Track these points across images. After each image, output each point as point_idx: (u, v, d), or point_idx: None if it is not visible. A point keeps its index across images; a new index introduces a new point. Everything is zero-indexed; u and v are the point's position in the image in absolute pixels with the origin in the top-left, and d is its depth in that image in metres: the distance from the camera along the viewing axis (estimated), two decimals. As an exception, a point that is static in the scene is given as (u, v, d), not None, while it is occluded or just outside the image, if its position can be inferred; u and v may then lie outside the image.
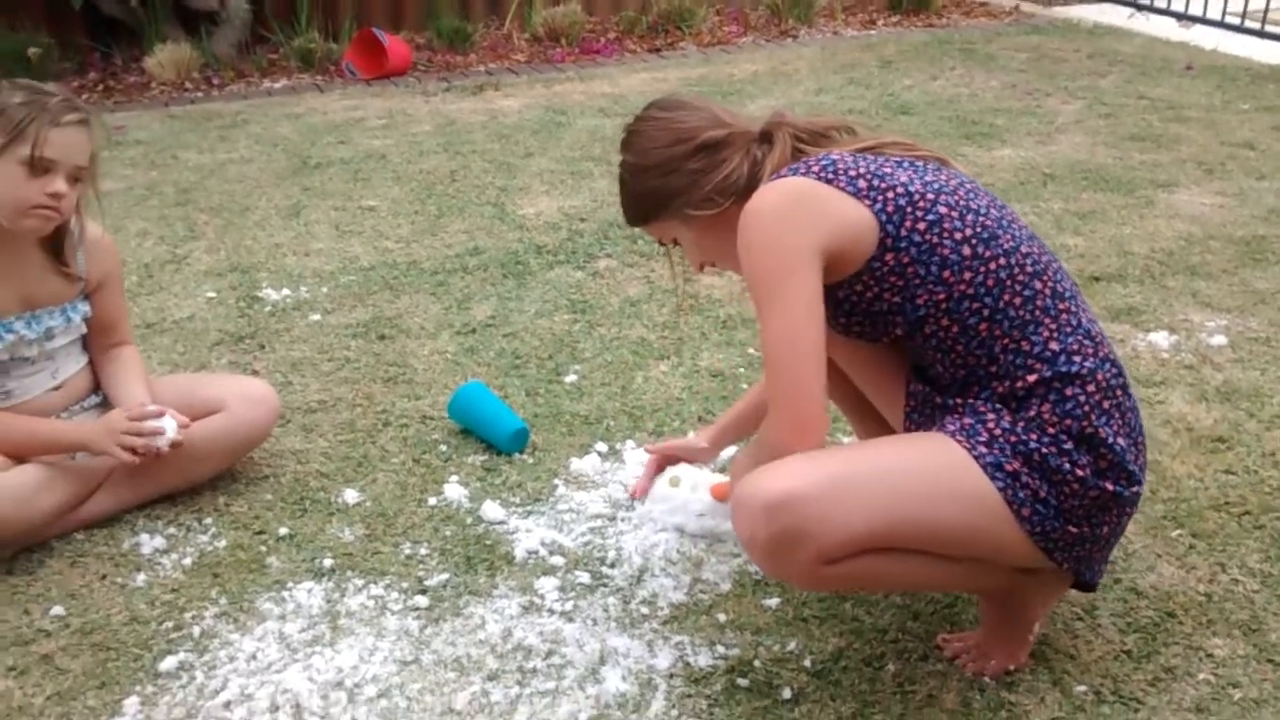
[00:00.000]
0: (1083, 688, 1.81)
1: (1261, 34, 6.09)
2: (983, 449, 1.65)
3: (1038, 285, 1.71)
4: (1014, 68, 5.78)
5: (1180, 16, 6.60)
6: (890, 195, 1.69)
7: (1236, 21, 6.25)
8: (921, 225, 1.68)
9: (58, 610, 2.04)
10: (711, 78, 5.71)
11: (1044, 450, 1.65)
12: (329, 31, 6.30)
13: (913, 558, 1.67)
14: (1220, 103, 5.06)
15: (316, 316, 3.19)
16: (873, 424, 2.02)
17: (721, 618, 1.99)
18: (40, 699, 1.84)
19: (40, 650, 1.95)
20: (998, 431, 1.66)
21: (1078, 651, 1.89)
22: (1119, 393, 1.71)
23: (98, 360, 2.41)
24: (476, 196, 4.08)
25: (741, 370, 2.84)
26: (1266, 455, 2.42)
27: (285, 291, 3.34)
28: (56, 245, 2.28)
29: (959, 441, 1.67)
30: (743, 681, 1.84)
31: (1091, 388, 1.68)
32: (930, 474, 1.66)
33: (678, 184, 1.83)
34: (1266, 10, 6.13)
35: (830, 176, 1.70)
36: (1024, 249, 1.72)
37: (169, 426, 2.22)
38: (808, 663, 1.88)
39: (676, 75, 5.78)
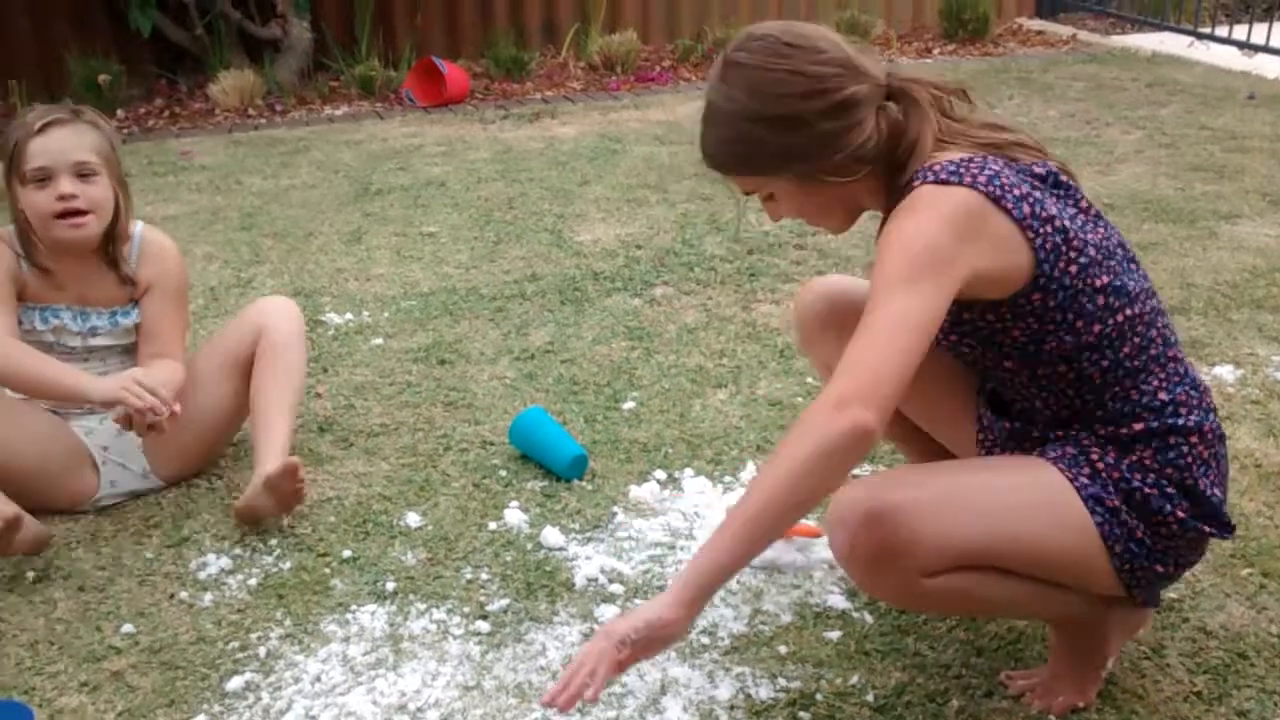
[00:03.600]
0: (1151, 728, 1.79)
1: (1326, 63, 6.02)
2: (1085, 480, 1.65)
3: (1153, 334, 1.69)
4: (1072, 97, 5.74)
5: (1242, 45, 6.53)
6: (1048, 230, 1.60)
7: (1300, 51, 6.18)
8: (1073, 269, 1.61)
9: (128, 628, 2.08)
10: (767, 106, 5.72)
11: (1146, 490, 1.64)
12: (389, 59, 6.40)
13: (1008, 578, 1.65)
14: (1284, 133, 5.00)
15: (378, 341, 3.23)
16: (919, 444, 2.01)
17: (782, 649, 1.98)
18: (111, 715, 1.87)
19: (111, 667, 1.98)
20: (1101, 466, 1.66)
21: (1145, 691, 1.86)
22: (1218, 444, 1.70)
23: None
24: (534, 223, 4.12)
25: (800, 399, 2.83)
26: (1337, 493, 2.37)
27: (348, 315, 3.39)
28: (111, 251, 2.36)
29: (1061, 470, 1.66)
30: (804, 715, 1.83)
31: (1195, 439, 1.67)
32: (1030, 494, 1.65)
33: (804, 143, 1.60)
34: (1331, 39, 6.06)
35: (999, 195, 1.57)
36: (1144, 298, 1.69)
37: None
38: (870, 697, 1.87)
39: (732, 103, 5.80)
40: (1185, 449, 1.66)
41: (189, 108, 5.99)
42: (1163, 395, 1.68)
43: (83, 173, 2.27)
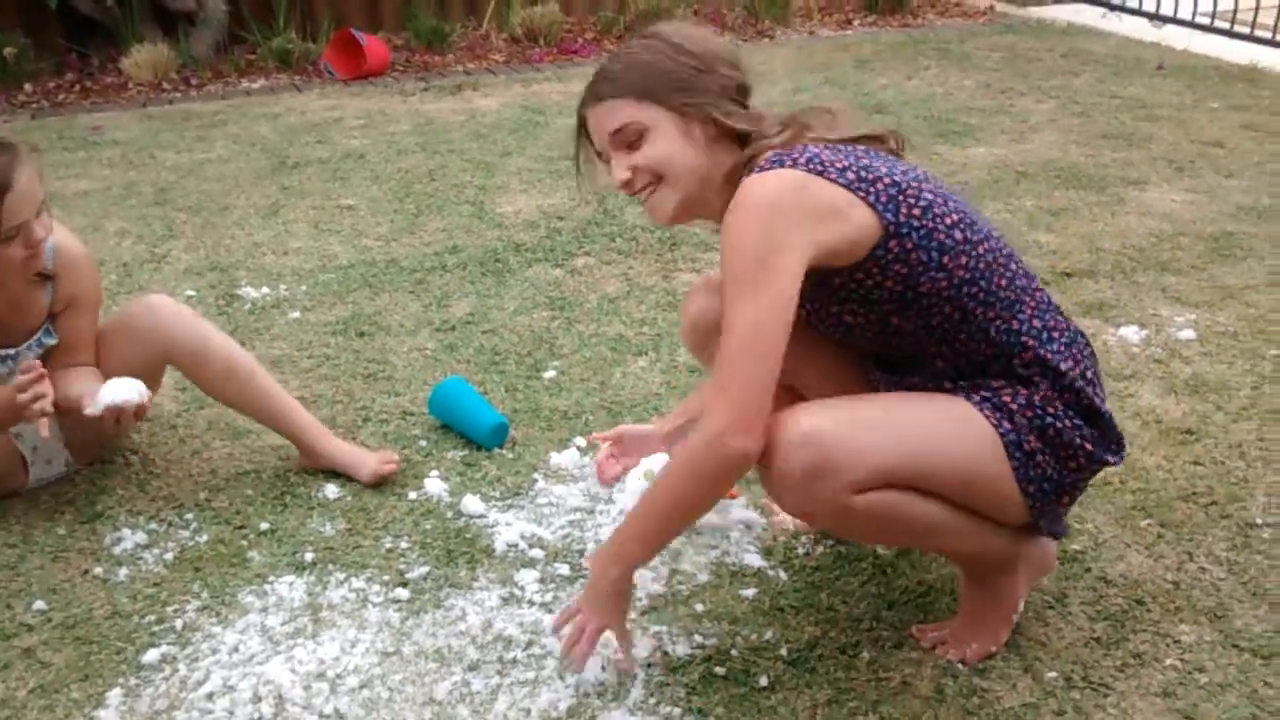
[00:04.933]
0: (1053, 674, 1.85)
1: (1231, 34, 6.17)
2: (1007, 425, 1.72)
3: (1014, 267, 1.79)
4: (988, 67, 5.83)
5: (1152, 17, 6.68)
6: (879, 186, 1.70)
7: (1207, 21, 6.33)
8: (916, 211, 1.71)
9: (40, 605, 2.05)
10: (689, 77, 5.73)
11: (1060, 424, 1.73)
12: (307, 32, 6.30)
13: (931, 500, 1.71)
14: (1191, 101, 5.13)
15: (296, 314, 3.20)
16: None
17: (699, 608, 2.02)
18: (23, 692, 1.85)
19: (22, 644, 1.96)
20: (1014, 407, 1.73)
21: (1049, 639, 1.93)
22: (1094, 359, 1.82)
23: (52, 376, 2.19)
24: (455, 195, 4.10)
25: (719, 366, 2.86)
26: (1233, 447, 2.46)
27: (265, 290, 3.35)
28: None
29: (983, 412, 1.73)
30: (720, 670, 1.87)
31: (1074, 360, 1.77)
32: (952, 423, 1.73)
33: (708, 84, 1.78)
34: (1235, 10, 6.20)
35: (820, 170, 1.69)
36: (995, 233, 1.80)
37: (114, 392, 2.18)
38: (784, 651, 1.91)
39: (654, 75, 5.81)
40: (1074, 368, 1.76)
41: (100, 82, 5.84)
42: (1036, 322, 1.77)
43: (39, 212, 2.15)
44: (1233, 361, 2.83)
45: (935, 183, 1.79)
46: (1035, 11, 7.29)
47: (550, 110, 5.15)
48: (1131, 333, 2.97)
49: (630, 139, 1.79)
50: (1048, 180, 4.13)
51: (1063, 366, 1.75)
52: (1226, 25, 6.22)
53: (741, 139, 1.81)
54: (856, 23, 7.07)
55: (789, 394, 1.91)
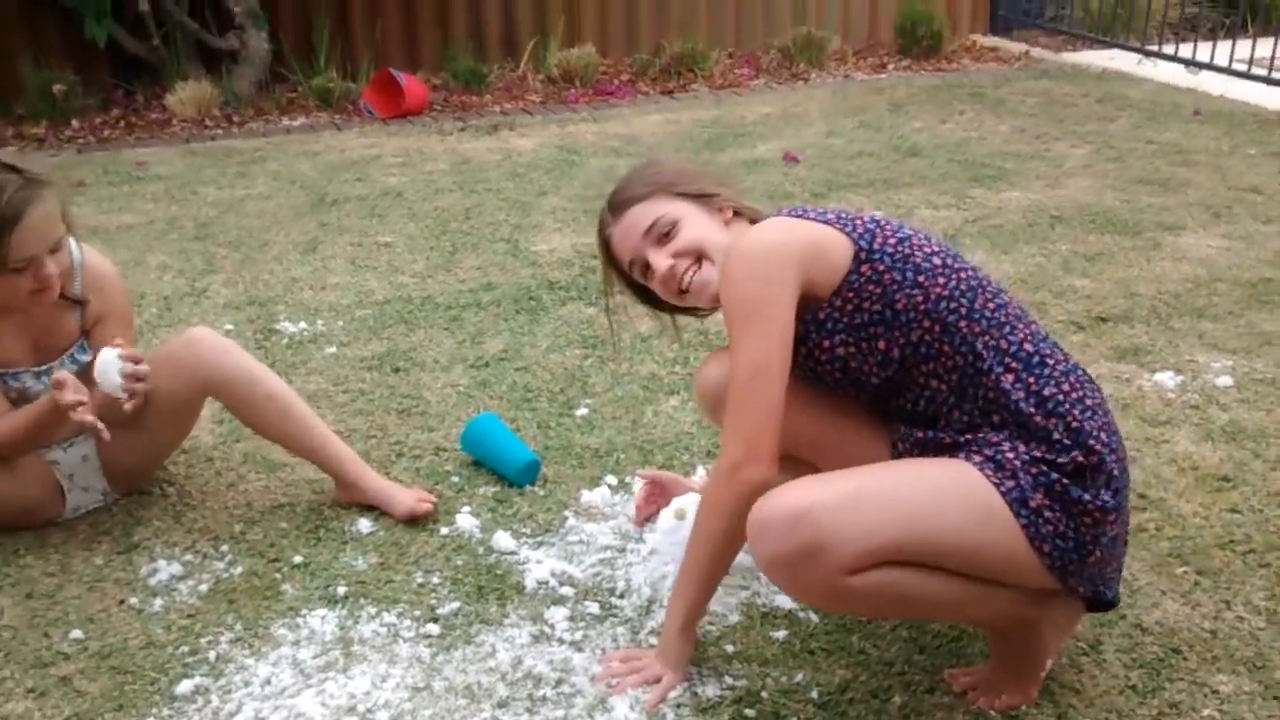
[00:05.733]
0: (1087, 722, 1.83)
1: (1269, 80, 6.15)
2: (1009, 483, 1.69)
3: (1005, 298, 1.85)
4: (1023, 112, 5.84)
5: (1188, 63, 6.67)
6: (859, 221, 1.85)
7: (1244, 68, 6.31)
8: (893, 240, 1.83)
9: (76, 634, 2.07)
10: (723, 120, 5.78)
11: (1064, 480, 1.69)
12: (347, 71, 6.40)
13: (934, 575, 1.68)
14: (1228, 148, 5.11)
15: (332, 349, 3.23)
16: None
17: (729, 649, 2.01)
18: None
19: (59, 673, 1.98)
20: (1018, 464, 1.70)
21: (1083, 686, 1.90)
22: (1096, 392, 1.81)
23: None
24: (490, 234, 4.14)
25: (751, 406, 2.86)
26: (1272, 494, 2.44)
27: (302, 324, 3.39)
28: (64, 289, 2.29)
29: (985, 473, 1.70)
30: (750, 712, 1.86)
31: (1070, 387, 1.77)
32: (948, 489, 1.70)
33: (711, 181, 2.02)
34: (1274, 57, 6.19)
35: (801, 213, 1.87)
36: (982, 272, 1.87)
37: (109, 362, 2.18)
38: (814, 694, 1.90)
39: (689, 117, 5.86)
40: (1060, 396, 1.75)
41: (145, 118, 5.96)
42: (1028, 346, 1.79)
43: (55, 249, 2.20)
44: (1271, 409, 2.80)
45: (926, 233, 1.89)
46: (1070, 57, 7.31)
47: (585, 150, 5.20)
48: (1167, 378, 2.95)
49: (664, 231, 1.93)
50: (1083, 225, 4.12)
51: (1047, 391, 1.75)
52: (1264, 72, 6.20)
53: (752, 220, 1.98)
54: (891, 67, 7.11)
55: (807, 469, 1.93)
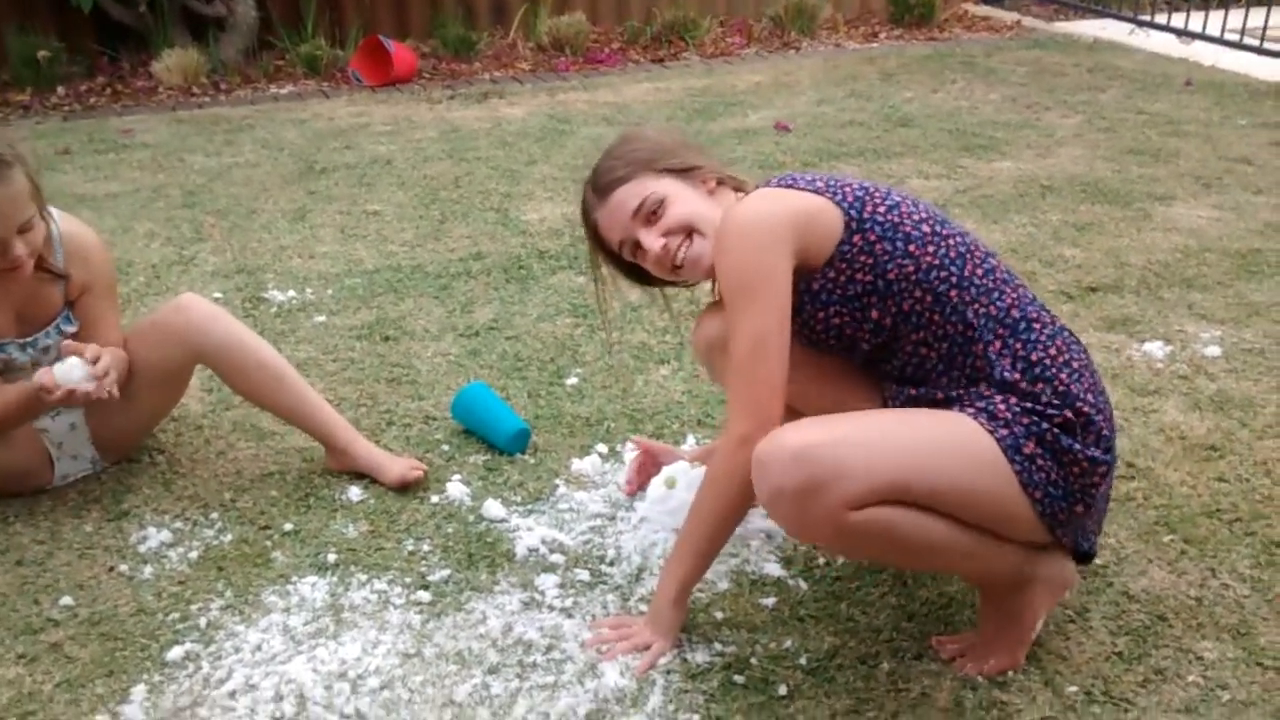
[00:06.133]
0: (1074, 688, 1.84)
1: (1260, 50, 6.14)
2: (1003, 431, 1.73)
3: (993, 262, 1.87)
4: (1014, 81, 5.83)
5: (1180, 33, 6.65)
6: (848, 189, 1.86)
7: (1235, 38, 6.30)
8: (882, 208, 1.84)
9: (67, 600, 2.07)
10: (714, 88, 5.76)
11: (1054, 430, 1.73)
12: (335, 38, 6.36)
13: (934, 519, 1.70)
14: (1218, 118, 5.11)
15: (321, 318, 3.22)
16: None
17: (719, 615, 2.02)
18: (49, 686, 1.87)
19: (49, 639, 1.98)
20: (1009, 415, 1.74)
21: (1069, 652, 1.92)
22: (1083, 354, 1.84)
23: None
24: (480, 202, 4.13)
25: (741, 375, 2.87)
26: (1258, 464, 2.45)
27: (291, 293, 3.38)
28: (41, 263, 2.27)
29: (979, 422, 1.74)
30: (739, 678, 1.87)
31: (1057, 350, 1.80)
32: (946, 435, 1.74)
33: (693, 152, 2.02)
34: (1265, 27, 6.17)
35: (790, 183, 1.87)
36: (970, 236, 1.88)
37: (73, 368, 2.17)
38: (803, 660, 1.91)
39: (679, 85, 5.83)
40: (1046, 358, 1.78)
41: (131, 85, 5.91)
42: (1015, 312, 1.82)
43: (25, 229, 2.17)
44: (1258, 378, 2.81)
45: (914, 199, 1.90)
46: (1062, 26, 7.28)
47: (575, 119, 5.18)
48: (1156, 348, 2.96)
49: (652, 209, 1.94)
50: (1073, 195, 4.12)
51: (1034, 356, 1.78)
52: (1256, 42, 6.19)
53: (736, 189, 2.01)
54: (883, 35, 7.08)
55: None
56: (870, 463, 1.65)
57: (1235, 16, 6.45)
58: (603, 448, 2.55)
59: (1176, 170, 4.38)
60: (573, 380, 2.86)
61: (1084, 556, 1.90)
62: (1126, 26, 7.04)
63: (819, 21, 7.03)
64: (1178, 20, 6.74)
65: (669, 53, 6.60)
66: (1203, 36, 6.51)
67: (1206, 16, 6.52)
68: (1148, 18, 6.97)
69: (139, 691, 1.85)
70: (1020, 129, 4.96)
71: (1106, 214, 3.93)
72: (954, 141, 4.78)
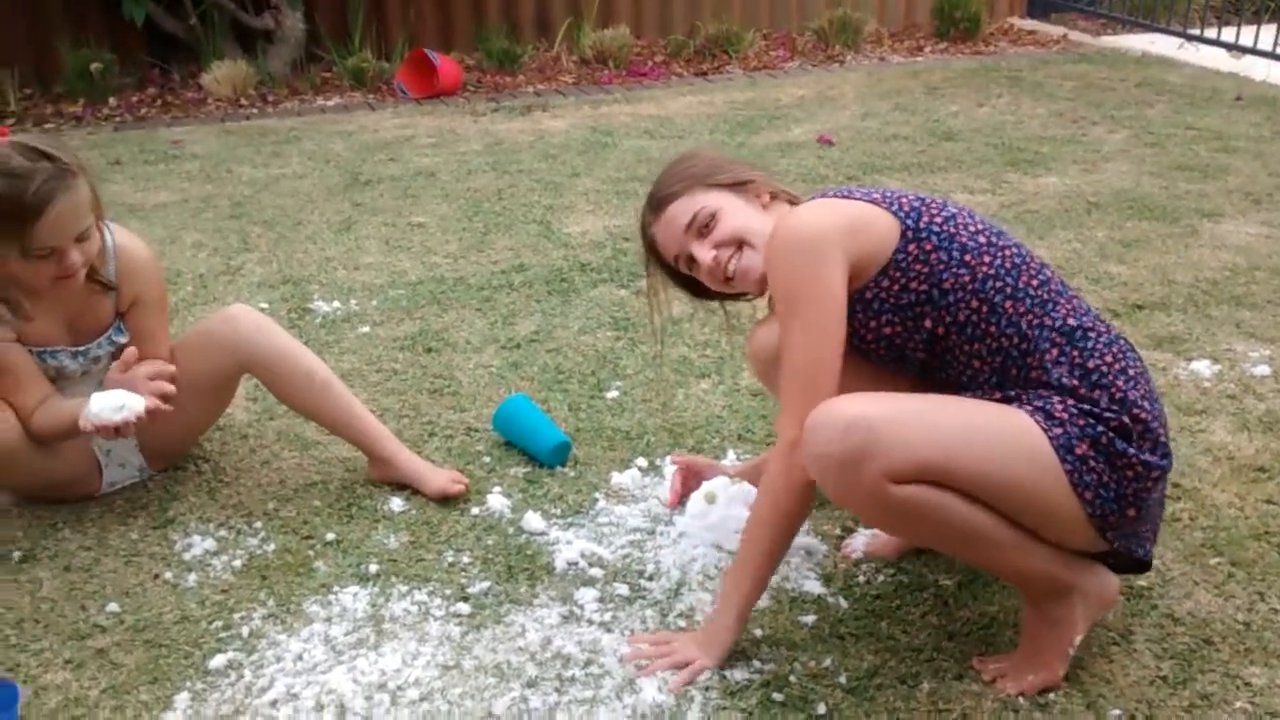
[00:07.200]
0: (1117, 711, 1.82)
1: (1313, 65, 6.06)
2: (1057, 430, 1.73)
3: (1048, 273, 1.88)
4: (1061, 96, 5.78)
5: (1230, 47, 6.57)
6: (904, 200, 1.89)
7: (1287, 53, 6.22)
8: (939, 219, 1.86)
9: (113, 607, 2.10)
10: (758, 101, 5.76)
11: (1110, 433, 1.73)
12: (381, 51, 6.42)
13: (978, 508, 1.72)
14: (1269, 133, 5.04)
15: (366, 329, 3.25)
16: None
17: (758, 632, 2.01)
18: (95, 691, 1.90)
19: (96, 645, 2.01)
20: (1065, 416, 1.74)
21: (1113, 676, 1.89)
22: (1138, 361, 1.84)
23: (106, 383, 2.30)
24: (523, 215, 4.15)
25: (782, 390, 2.86)
26: (1308, 486, 2.41)
27: (335, 304, 3.41)
28: (94, 274, 2.31)
29: (1035, 420, 1.75)
30: (778, 696, 1.86)
31: (1113, 358, 1.80)
32: (998, 425, 1.75)
33: (745, 167, 2.05)
34: (1318, 42, 6.10)
35: (846, 194, 1.90)
36: (1025, 248, 1.90)
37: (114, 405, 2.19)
38: (843, 679, 1.90)
39: (722, 99, 5.84)
40: (1104, 366, 1.78)
41: (181, 97, 6.00)
42: (1071, 321, 1.83)
43: (83, 239, 2.20)
44: (1309, 399, 2.77)
45: (970, 210, 1.91)
46: (1110, 41, 7.22)
47: (618, 132, 5.19)
48: (1204, 367, 2.92)
49: (704, 223, 1.98)
50: (1120, 211, 4.08)
51: (1091, 364, 1.78)
52: (1308, 56, 6.11)
53: (790, 201, 2.04)
54: (928, 49, 7.05)
55: None
56: (918, 440, 1.67)
57: (1287, 30, 6.36)
58: (643, 461, 2.56)
59: (1225, 186, 4.33)
60: (613, 393, 2.87)
61: (1140, 564, 1.89)
62: (1176, 41, 6.97)
63: (863, 35, 7.02)
64: (1228, 34, 6.66)
65: (712, 66, 6.61)
66: (1254, 51, 6.42)
67: (1258, 31, 6.44)
68: (1197, 32, 6.89)
69: (182, 699, 1.88)
70: (1066, 144, 4.92)
71: (1154, 230, 3.89)
72: (999, 156, 4.75)
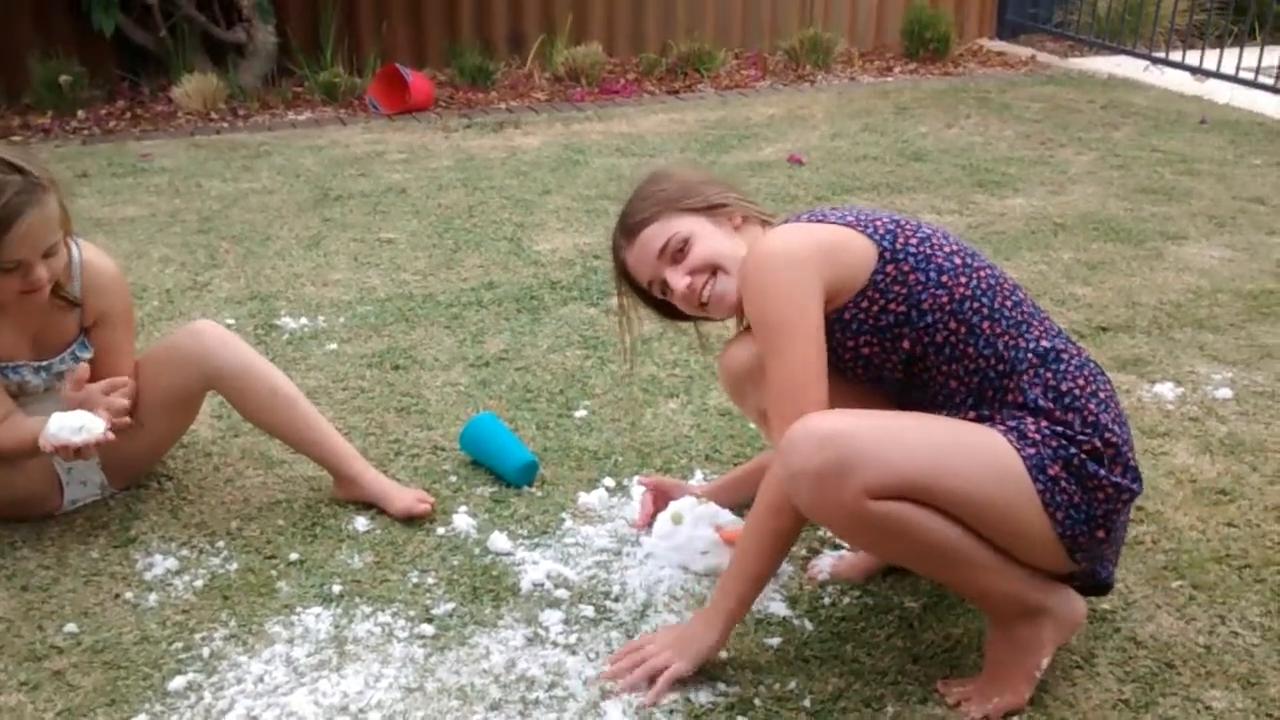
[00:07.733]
0: (1079, 734, 1.83)
1: (1275, 89, 6.14)
2: (1030, 450, 1.75)
3: (1020, 294, 1.91)
4: (1028, 118, 5.84)
5: (1195, 70, 6.66)
6: (878, 222, 1.90)
7: (1250, 76, 6.30)
8: (914, 240, 1.88)
9: (71, 627, 2.07)
10: (728, 120, 5.78)
11: (1082, 455, 1.76)
12: (353, 66, 6.40)
13: (953, 526, 1.73)
14: (1233, 157, 5.11)
15: (333, 346, 3.23)
16: None
17: (723, 655, 2.01)
18: (50, 714, 1.87)
19: (52, 666, 1.98)
20: (1038, 437, 1.77)
21: (1076, 699, 1.90)
22: (1108, 386, 1.86)
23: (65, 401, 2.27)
24: (493, 232, 4.14)
25: (750, 410, 2.87)
26: (1269, 509, 2.43)
27: (303, 320, 3.39)
28: (58, 290, 2.29)
29: (1009, 440, 1.77)
30: (742, 719, 1.86)
31: (1084, 380, 1.83)
32: (973, 444, 1.77)
33: (717, 190, 2.06)
34: (1281, 67, 6.18)
35: (820, 217, 1.92)
36: (999, 270, 1.92)
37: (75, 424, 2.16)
38: (807, 702, 1.90)
39: (694, 117, 5.86)
40: (1075, 389, 1.81)
41: (151, 110, 5.96)
42: (1044, 343, 1.86)
43: (49, 254, 2.19)
44: (1270, 422, 2.80)
45: (944, 231, 1.94)
46: (1077, 63, 7.30)
47: (590, 150, 5.20)
48: (1167, 390, 2.95)
49: (677, 249, 1.99)
50: (1086, 233, 4.12)
51: (1064, 386, 1.80)
52: (1271, 81, 6.19)
53: (763, 223, 2.05)
54: (897, 70, 7.10)
55: None
56: (895, 457, 1.69)
57: (1250, 55, 6.45)
58: (610, 482, 2.55)
59: (1190, 209, 4.38)
60: (581, 412, 2.86)
61: (1102, 586, 1.91)
62: (1141, 64, 7.05)
63: (834, 55, 7.06)
64: (1193, 58, 6.75)
65: (684, 84, 6.63)
66: (1218, 75, 6.51)
67: (1221, 54, 6.53)
68: (1163, 55, 6.98)
69: (141, 722, 1.85)
70: (1033, 165, 4.97)
71: (1119, 252, 3.93)
72: (967, 177, 4.79)
